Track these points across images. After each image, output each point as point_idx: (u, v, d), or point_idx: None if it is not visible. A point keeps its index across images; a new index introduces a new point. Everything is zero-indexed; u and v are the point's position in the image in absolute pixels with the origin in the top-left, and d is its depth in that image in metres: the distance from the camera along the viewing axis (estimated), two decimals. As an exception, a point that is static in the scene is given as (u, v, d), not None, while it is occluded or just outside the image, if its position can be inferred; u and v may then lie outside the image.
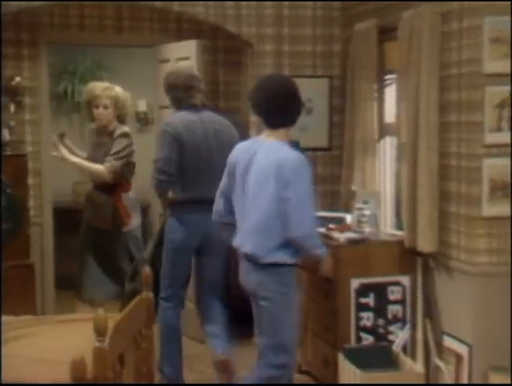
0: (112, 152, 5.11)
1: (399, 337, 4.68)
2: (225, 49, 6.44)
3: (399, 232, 5.03)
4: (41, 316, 4.74)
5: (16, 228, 5.50)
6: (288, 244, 3.77)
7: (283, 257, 3.78)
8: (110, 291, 5.16)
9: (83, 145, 5.67)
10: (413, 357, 4.67)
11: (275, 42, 5.78)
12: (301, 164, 3.74)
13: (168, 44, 6.08)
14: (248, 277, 3.89)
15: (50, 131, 6.05)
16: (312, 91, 5.75)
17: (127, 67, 8.06)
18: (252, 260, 3.82)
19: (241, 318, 6.09)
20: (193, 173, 4.60)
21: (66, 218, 6.63)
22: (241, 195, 3.84)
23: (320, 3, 5.85)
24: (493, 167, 4.22)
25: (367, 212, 4.96)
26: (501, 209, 4.25)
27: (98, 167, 5.12)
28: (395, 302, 4.77)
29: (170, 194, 4.67)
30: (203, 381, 5.10)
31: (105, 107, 5.19)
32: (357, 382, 4.25)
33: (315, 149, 5.81)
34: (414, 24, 4.58)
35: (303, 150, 4.14)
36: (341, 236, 4.81)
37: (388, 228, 5.31)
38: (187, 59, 5.78)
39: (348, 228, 5.00)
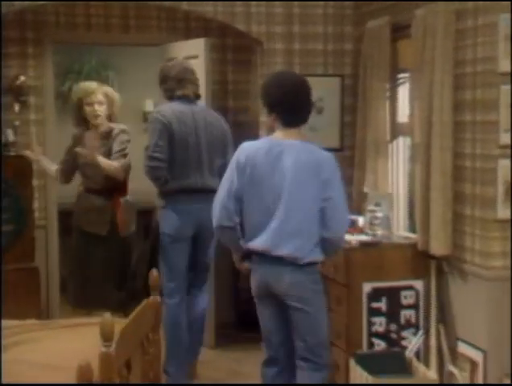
0: (117, 149, 5.07)
1: (412, 343, 4.68)
2: (233, 47, 6.44)
3: (412, 235, 5.03)
4: (45, 320, 4.74)
5: (20, 230, 5.51)
6: (318, 243, 3.82)
7: (318, 256, 3.85)
8: (109, 299, 5.12)
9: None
10: (426, 363, 4.67)
11: (285, 40, 5.78)
12: (335, 163, 3.86)
13: (176, 43, 6.09)
14: (280, 280, 3.80)
15: (55, 131, 6.08)
16: (323, 90, 5.75)
17: (134, 66, 8.09)
18: (288, 261, 3.78)
19: (249, 322, 6.11)
20: (182, 162, 4.74)
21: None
22: (266, 196, 3.77)
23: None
24: (508, 168, 4.21)
25: (379, 214, 4.96)
26: (516, 211, 4.24)
27: (112, 163, 5.01)
28: (408, 307, 4.77)
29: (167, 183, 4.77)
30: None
31: (100, 103, 5.15)
32: (369, 388, 4.25)
33: (325, 150, 5.79)
34: (427, 22, 4.58)
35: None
36: (353, 239, 4.80)
37: (401, 231, 5.31)
38: (195, 57, 5.79)
39: (360, 231, 5.00)
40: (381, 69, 5.25)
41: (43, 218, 6.03)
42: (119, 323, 3.00)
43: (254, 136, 5.83)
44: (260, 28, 5.73)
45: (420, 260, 4.74)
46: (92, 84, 5.31)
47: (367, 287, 4.68)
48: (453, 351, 4.56)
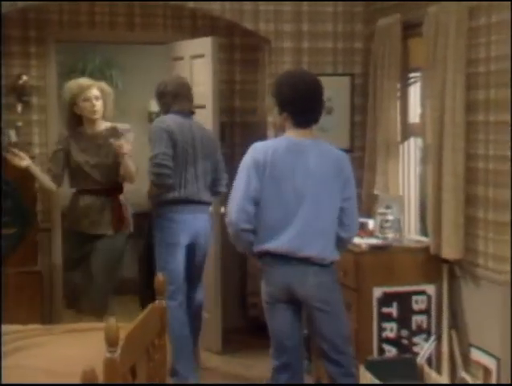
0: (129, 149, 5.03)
1: (424, 349, 4.68)
2: (241, 46, 6.46)
3: (424, 238, 5.03)
4: (48, 325, 4.75)
5: (23, 233, 5.52)
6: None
7: (337, 255, 3.93)
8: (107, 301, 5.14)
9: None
10: (438, 370, 4.66)
11: (294, 38, 5.78)
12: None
13: (182, 41, 6.10)
14: (305, 282, 3.81)
15: (58, 132, 6.10)
16: (333, 89, 5.74)
17: (139, 65, 8.10)
18: (312, 262, 3.80)
19: (257, 327, 6.12)
20: (181, 172, 4.96)
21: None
22: (287, 195, 3.78)
23: (341, -2, 5.86)
24: (522, 170, 4.21)
25: (390, 217, 4.97)
26: (531, 214, 4.23)
27: (134, 165, 5.02)
28: (420, 312, 4.77)
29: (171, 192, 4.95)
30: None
31: (97, 98, 5.06)
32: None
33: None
34: (440, 19, 4.58)
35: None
36: (363, 242, 4.81)
37: (412, 234, 5.31)
38: (201, 56, 5.80)
39: (370, 234, 5.01)
40: (391, 68, 5.25)
41: (46, 220, 6.05)
42: (124, 328, 3.01)
43: (262, 137, 5.85)
44: (268, 26, 5.74)
45: (432, 264, 4.74)
46: (86, 80, 5.26)
47: (377, 292, 4.69)
48: (466, 358, 4.56)
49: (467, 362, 4.55)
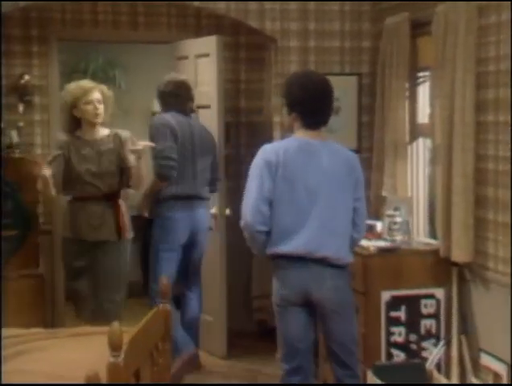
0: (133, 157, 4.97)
1: (433, 354, 4.68)
2: (246, 45, 6.46)
3: (433, 241, 5.03)
4: (51, 329, 4.76)
5: (24, 235, 5.53)
6: None
7: (352, 256, 3.99)
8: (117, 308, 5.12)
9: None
10: (447, 375, 4.66)
11: (300, 37, 5.78)
12: None
13: (187, 40, 6.11)
14: (322, 284, 3.84)
15: (60, 132, 6.10)
16: (340, 89, 5.70)
17: (143, 64, 8.11)
18: (328, 264, 3.83)
19: (263, 331, 6.13)
20: (180, 169, 5.16)
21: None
22: (300, 196, 3.81)
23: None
24: (533, 171, 4.21)
25: (398, 219, 4.96)
26: (542, 216, 4.23)
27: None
28: (429, 316, 4.77)
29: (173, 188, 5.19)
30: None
31: (99, 102, 4.96)
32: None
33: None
34: (449, 18, 4.59)
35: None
36: (371, 245, 4.81)
37: (421, 237, 5.31)
38: (206, 55, 5.81)
39: (378, 236, 5.01)
40: (400, 67, 5.25)
41: (47, 223, 6.05)
42: (128, 332, 3.02)
43: (268, 137, 5.85)
44: (274, 25, 5.74)
45: (441, 267, 4.74)
46: (88, 82, 5.15)
47: (386, 295, 4.69)
48: (476, 363, 4.56)
49: (477, 367, 4.55)
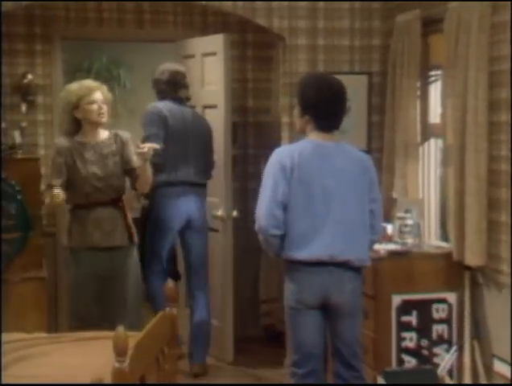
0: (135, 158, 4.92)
1: (445, 359, 4.67)
2: (254, 44, 6.47)
3: (444, 244, 5.02)
4: (54, 334, 4.77)
5: (27, 237, 5.53)
6: None
7: (369, 259, 4.06)
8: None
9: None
10: (460, 382, 4.65)
11: (309, 35, 5.77)
12: None
13: (193, 39, 6.12)
14: (342, 288, 3.90)
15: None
16: (350, 88, 5.63)
17: (147, 63, 8.08)
18: (347, 267, 3.88)
19: (271, 337, 6.13)
20: (173, 155, 5.36)
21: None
22: (316, 199, 3.85)
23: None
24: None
25: (409, 222, 4.96)
26: (557, 219, 4.22)
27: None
28: (440, 321, 4.76)
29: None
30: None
31: (103, 102, 4.89)
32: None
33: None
34: (461, 15, 4.58)
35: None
36: (381, 248, 4.80)
37: (432, 240, 5.30)
38: (213, 54, 5.82)
39: (388, 239, 5.00)
40: (411, 66, 5.25)
41: (51, 225, 6.06)
42: (133, 337, 3.02)
43: (276, 138, 5.85)
44: (282, 23, 5.73)
45: (453, 270, 4.73)
46: (90, 81, 5.07)
47: (396, 300, 4.68)
48: (488, 369, 4.55)
49: (490, 373, 4.54)
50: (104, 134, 4.93)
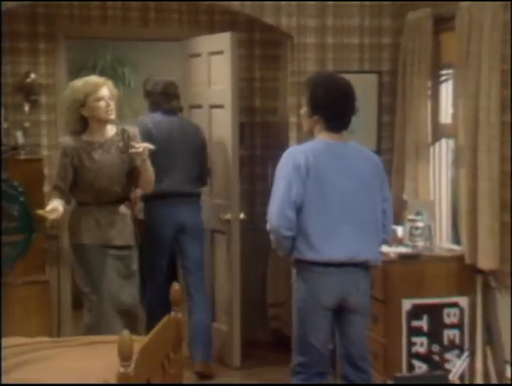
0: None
1: (456, 365, 4.66)
2: (261, 42, 6.47)
3: (456, 247, 5.02)
4: (57, 338, 4.78)
5: (30, 240, 5.54)
6: None
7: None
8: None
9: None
10: (472, 388, 4.65)
11: (318, 34, 5.78)
12: None
13: (199, 37, 6.12)
14: (358, 288, 3.97)
15: (66, 133, 6.12)
16: (359, 88, 5.63)
17: (153, 62, 8.14)
18: (362, 267, 3.95)
19: (278, 341, 6.12)
20: (159, 168, 5.16)
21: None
22: (332, 199, 3.88)
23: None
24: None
25: (420, 224, 4.96)
26: None
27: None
28: (452, 326, 4.75)
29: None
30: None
31: (110, 98, 4.80)
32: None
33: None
34: (473, 13, 4.58)
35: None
36: (391, 251, 4.80)
37: (444, 242, 5.29)
38: (220, 53, 5.82)
39: (399, 242, 5.00)
40: (422, 65, 5.25)
41: (54, 227, 6.06)
42: (138, 341, 3.03)
43: (284, 138, 5.86)
44: (290, 21, 5.74)
45: (465, 274, 4.72)
46: (97, 78, 4.97)
47: (407, 304, 4.68)
48: (501, 376, 4.54)
49: (502, 380, 4.53)
50: (112, 131, 4.89)
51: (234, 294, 5.86)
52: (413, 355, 4.69)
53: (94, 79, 4.92)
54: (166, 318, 3.63)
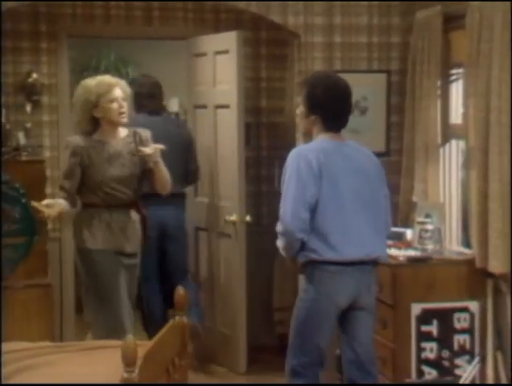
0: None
1: (467, 371, 4.66)
2: (268, 41, 6.47)
3: (466, 250, 5.01)
4: (60, 343, 4.79)
5: (32, 243, 5.54)
6: None
7: None
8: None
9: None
10: (483, 394, 4.65)
11: (325, 33, 5.78)
12: None
13: (204, 36, 6.12)
14: (370, 287, 4.02)
15: (70, 134, 6.12)
16: (367, 88, 5.75)
17: (157, 61, 8.15)
18: (372, 266, 4.01)
19: (284, 346, 6.11)
20: None
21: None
22: (344, 198, 3.92)
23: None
24: None
25: (430, 227, 4.95)
26: None
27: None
28: (462, 331, 4.75)
29: None
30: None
31: (123, 99, 4.75)
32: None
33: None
34: (484, 11, 4.57)
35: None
36: (400, 254, 4.80)
37: (454, 245, 5.29)
38: (226, 52, 5.82)
39: (408, 245, 4.99)
40: (431, 64, 5.24)
41: (56, 229, 6.07)
42: (142, 346, 3.03)
43: (290, 139, 5.86)
44: (297, 20, 5.74)
45: (475, 278, 4.72)
46: (110, 78, 4.89)
47: (416, 308, 4.67)
48: (513, 381, 4.54)
49: (514, 385, 4.53)
50: (123, 132, 4.85)
51: (240, 298, 5.86)
52: (422, 361, 4.68)
53: (107, 79, 4.83)
54: (170, 323, 3.63)
